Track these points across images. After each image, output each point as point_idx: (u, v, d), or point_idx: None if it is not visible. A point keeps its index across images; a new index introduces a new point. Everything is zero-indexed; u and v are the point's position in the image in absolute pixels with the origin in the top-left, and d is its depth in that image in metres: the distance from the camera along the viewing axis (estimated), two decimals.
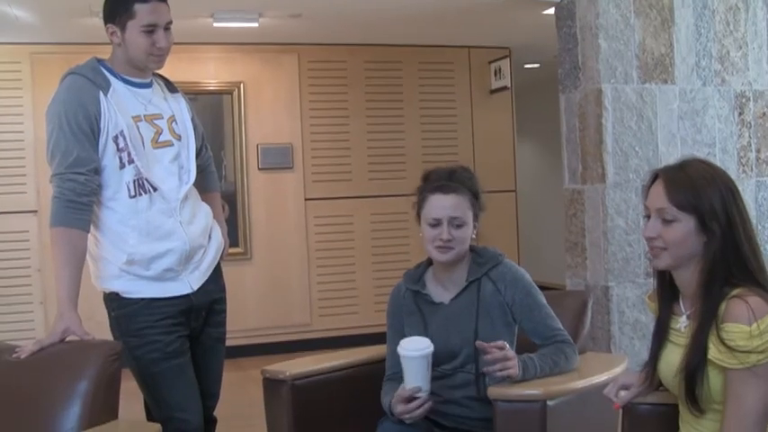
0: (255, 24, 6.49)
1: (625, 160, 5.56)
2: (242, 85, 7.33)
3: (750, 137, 6.21)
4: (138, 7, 2.78)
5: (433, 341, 2.60)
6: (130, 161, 2.74)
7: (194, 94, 7.24)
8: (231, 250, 7.09)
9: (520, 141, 8.81)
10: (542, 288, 2.84)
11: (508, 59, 7.89)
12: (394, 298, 2.85)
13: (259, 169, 7.36)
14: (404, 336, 2.70)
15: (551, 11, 6.10)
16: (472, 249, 2.78)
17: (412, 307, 2.78)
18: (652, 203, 2.04)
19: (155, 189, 2.78)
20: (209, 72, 7.29)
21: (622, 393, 2.14)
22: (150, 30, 2.82)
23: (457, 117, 8.01)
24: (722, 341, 1.87)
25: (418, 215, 2.76)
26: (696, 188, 1.98)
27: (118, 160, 2.74)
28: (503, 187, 8.14)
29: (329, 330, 7.24)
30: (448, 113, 7.97)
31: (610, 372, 2.68)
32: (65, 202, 2.65)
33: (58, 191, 2.67)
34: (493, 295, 2.72)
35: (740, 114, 6.16)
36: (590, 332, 3.09)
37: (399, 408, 2.55)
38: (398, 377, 2.66)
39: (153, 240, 2.76)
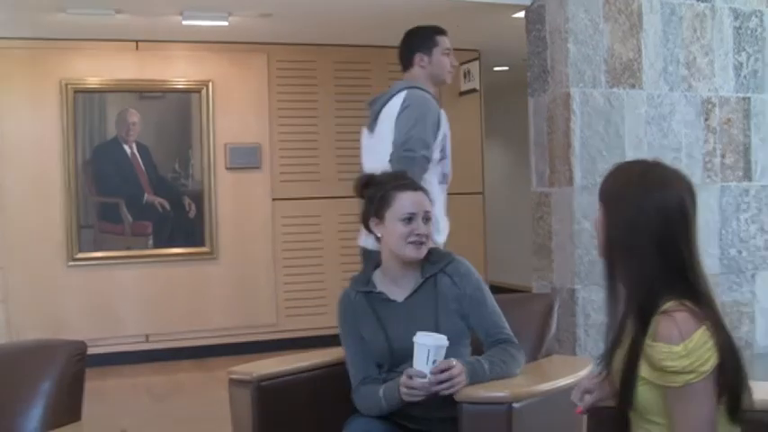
0: (225, 23, 6.46)
1: (592, 164, 5.59)
2: (210, 83, 7.28)
3: (715, 142, 6.27)
4: (439, 39, 4.06)
5: (393, 340, 2.65)
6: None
7: (162, 93, 7.21)
8: (197, 249, 7.19)
9: (488, 144, 8.83)
10: (508, 290, 2.86)
11: (477, 62, 7.91)
12: (345, 304, 2.83)
13: (227, 169, 7.32)
14: (364, 339, 2.72)
15: (521, 14, 6.13)
16: None
17: (366, 309, 2.77)
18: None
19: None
20: (178, 70, 7.24)
21: (587, 397, 2.12)
22: (448, 52, 4.08)
23: None
24: (653, 361, 1.82)
25: (378, 216, 2.76)
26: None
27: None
28: (470, 189, 8.15)
29: (296, 331, 7.22)
30: None
31: (575, 374, 2.69)
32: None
33: None
34: (450, 289, 2.75)
35: (706, 120, 6.22)
36: (556, 335, 3.10)
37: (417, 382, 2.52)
38: (372, 380, 2.70)
39: None
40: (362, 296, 2.79)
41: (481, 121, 8.32)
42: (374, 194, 2.78)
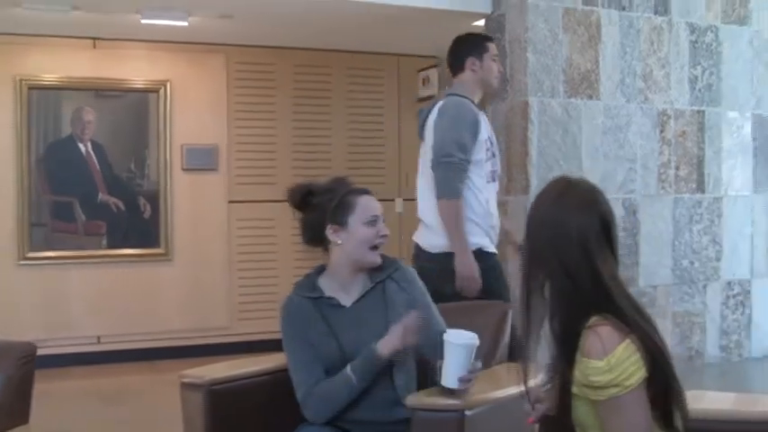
0: (185, 23, 6.40)
1: (549, 172, 5.63)
2: (168, 83, 7.22)
3: (670, 154, 6.35)
4: (489, 45, 4.22)
5: (344, 345, 2.64)
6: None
7: (119, 91, 7.14)
8: (151, 250, 7.12)
9: None
10: (465, 298, 2.86)
11: (436, 69, 7.93)
12: (290, 309, 2.78)
13: (183, 169, 7.26)
14: (314, 344, 2.69)
15: (481, 22, 6.15)
16: None
17: (314, 315, 2.74)
18: None
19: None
20: (135, 69, 7.17)
21: (538, 407, 2.11)
22: (496, 59, 4.23)
23: (384, 124, 8.02)
24: (580, 377, 1.83)
25: (338, 222, 2.73)
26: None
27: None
28: None
29: (250, 334, 7.17)
30: (375, 120, 7.98)
31: (530, 382, 2.69)
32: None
33: None
34: (398, 294, 2.75)
35: (661, 132, 6.29)
36: (510, 342, 3.10)
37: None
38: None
39: None
40: (309, 302, 2.76)
41: None
42: (327, 201, 2.75)
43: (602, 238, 1.93)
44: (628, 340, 1.81)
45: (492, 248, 4.05)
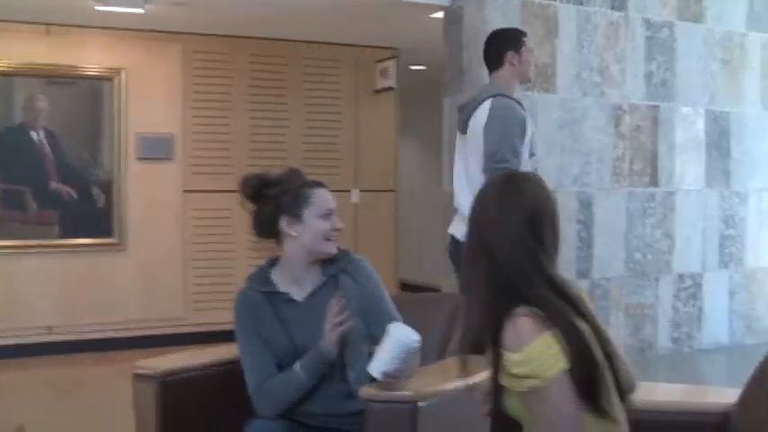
0: (141, 10, 6.33)
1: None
2: (123, 72, 7.13)
3: (624, 148, 6.40)
4: (525, 39, 4.29)
5: (296, 339, 2.64)
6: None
7: (73, 79, 7.04)
8: (105, 240, 7.04)
9: (403, 142, 8.86)
10: (419, 288, 2.87)
11: (395, 60, 7.93)
12: (243, 303, 2.76)
13: (137, 159, 7.18)
14: (267, 338, 2.68)
15: (440, 14, 6.15)
16: None
17: (267, 309, 2.72)
18: None
19: None
20: (90, 57, 7.07)
21: (490, 399, 2.13)
22: (531, 51, 4.34)
23: (341, 115, 8.00)
24: (505, 368, 1.85)
25: (293, 215, 2.70)
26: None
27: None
28: (383, 187, 8.18)
29: (205, 324, 7.12)
30: (332, 111, 7.96)
31: (481, 375, 2.70)
32: None
33: None
34: (352, 288, 2.74)
35: (616, 126, 6.35)
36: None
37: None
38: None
39: None
40: (262, 296, 2.74)
41: (396, 120, 8.34)
42: (281, 194, 2.72)
43: (538, 230, 1.94)
44: (548, 332, 1.82)
45: None
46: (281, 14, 6.67)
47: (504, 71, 4.23)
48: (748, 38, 7.11)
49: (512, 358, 1.82)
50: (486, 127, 4.04)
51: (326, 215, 2.72)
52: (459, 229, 4.12)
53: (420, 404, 2.46)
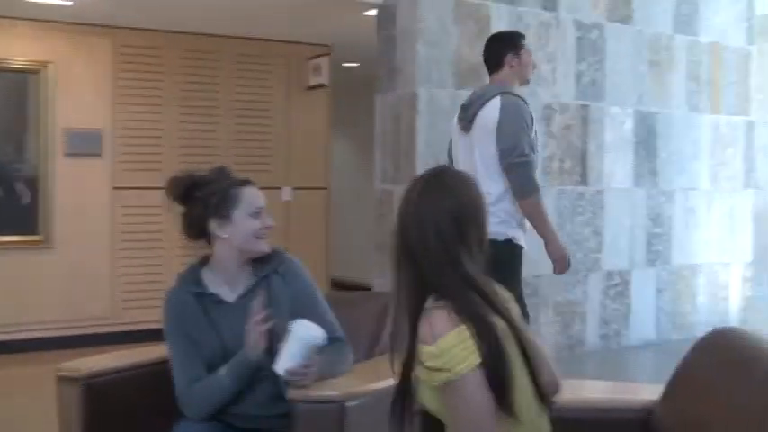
0: (69, 2, 6.21)
1: (436, 164, 5.64)
2: (51, 65, 6.98)
3: (555, 147, 6.47)
4: (523, 41, 4.46)
5: (226, 341, 2.61)
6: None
7: None
8: (30, 238, 6.89)
9: (335, 139, 8.84)
10: (351, 286, 2.87)
11: (327, 57, 7.90)
12: (172, 304, 2.73)
13: (65, 155, 7.03)
14: (196, 340, 2.65)
15: (373, 12, 6.15)
16: None
17: (197, 310, 2.69)
18: None
19: None
20: (16, 49, 6.90)
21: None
22: (530, 53, 4.50)
23: (273, 112, 7.95)
24: (419, 361, 1.87)
25: (222, 215, 2.67)
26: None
27: None
28: (316, 184, 8.15)
29: (134, 324, 7.02)
30: (264, 108, 7.90)
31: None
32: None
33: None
34: (283, 289, 2.72)
35: (547, 125, 6.41)
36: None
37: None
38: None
39: None
40: (192, 297, 2.71)
41: (329, 117, 8.32)
42: (210, 194, 2.68)
43: (461, 227, 1.96)
44: (462, 326, 1.84)
45: (522, 241, 4.27)
46: (213, 10, 6.61)
47: (504, 73, 4.37)
48: (675, 40, 7.25)
49: (426, 351, 1.84)
50: (501, 123, 4.15)
51: (256, 214, 2.69)
52: None
53: (348, 404, 2.46)
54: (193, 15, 6.85)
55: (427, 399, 1.92)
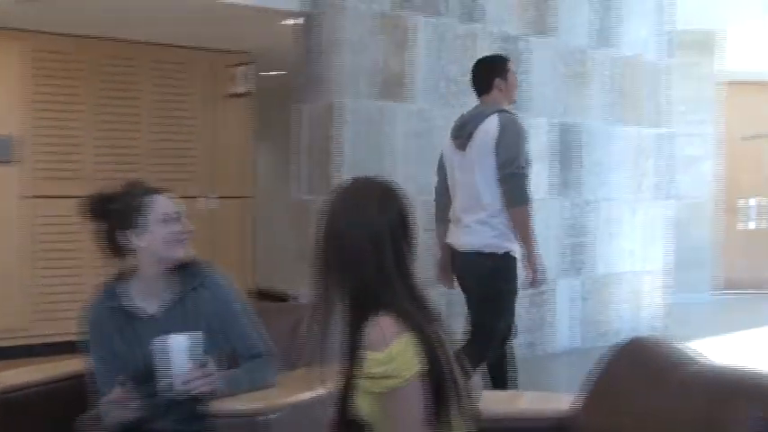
0: None
1: (358, 174, 5.63)
2: None
3: None
4: (509, 64, 4.70)
5: (147, 356, 2.54)
6: None
7: None
8: None
9: (262, 149, 8.77)
10: (276, 297, 2.84)
11: (250, 65, 7.83)
12: (91, 317, 2.70)
13: None
14: (117, 355, 2.61)
15: (291, 22, 6.11)
16: None
17: (116, 324, 2.65)
18: None
19: None
20: None
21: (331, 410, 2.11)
22: (515, 74, 4.78)
23: (196, 120, 7.83)
24: (364, 369, 1.87)
25: (136, 226, 2.64)
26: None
27: None
28: (240, 193, 8.07)
29: (50, 336, 6.81)
30: (186, 116, 7.78)
31: (330, 385, 2.67)
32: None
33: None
34: (207, 303, 2.69)
35: None
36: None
37: None
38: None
39: None
40: (112, 311, 2.66)
41: (251, 125, 8.24)
42: (123, 206, 2.66)
43: (395, 237, 1.97)
44: (409, 334, 1.86)
45: (518, 254, 4.42)
46: (132, 16, 6.49)
47: (493, 96, 4.59)
48: (597, 53, 7.36)
49: (374, 357, 1.84)
50: (500, 138, 4.34)
51: (168, 220, 2.66)
52: (457, 239, 4.51)
53: (270, 417, 2.44)
54: (111, 21, 6.71)
55: (365, 408, 1.91)
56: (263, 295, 8.56)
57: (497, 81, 4.59)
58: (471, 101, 6.38)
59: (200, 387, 2.48)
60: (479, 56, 6.47)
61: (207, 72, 7.87)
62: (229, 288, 2.77)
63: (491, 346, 4.40)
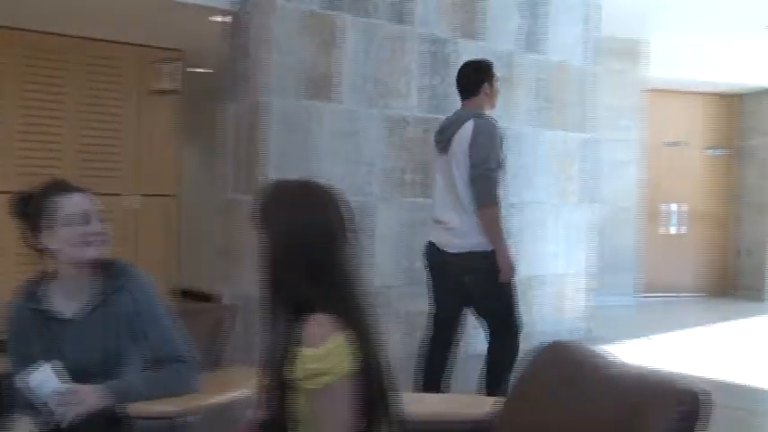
0: None
1: (285, 173, 5.60)
2: None
3: (406, 160, 6.52)
4: (494, 70, 4.85)
5: (70, 360, 2.51)
6: None
7: None
8: None
9: (189, 147, 8.67)
10: (201, 296, 2.81)
11: (178, 62, 7.74)
12: (12, 318, 2.65)
13: None
14: (36, 357, 2.53)
15: (220, 18, 6.06)
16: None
17: (37, 327, 2.60)
18: None
19: None
20: None
21: (256, 412, 2.09)
22: (498, 79, 4.93)
23: (121, 117, 7.71)
24: (298, 367, 1.88)
25: (47, 227, 2.59)
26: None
27: None
28: (165, 191, 7.96)
29: None
30: (112, 112, 7.65)
31: (246, 388, 2.65)
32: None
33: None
34: (128, 305, 2.65)
35: (398, 138, 6.45)
36: (244, 344, 3.06)
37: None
38: None
39: None
40: (32, 313, 2.62)
41: (178, 123, 8.14)
42: (36, 207, 2.61)
43: (333, 237, 1.99)
44: (344, 332, 1.88)
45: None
46: (58, 8, 6.36)
47: (479, 100, 4.78)
48: (524, 58, 7.44)
49: (309, 354, 1.85)
50: (473, 141, 4.52)
51: (78, 221, 2.60)
52: (445, 240, 4.68)
53: (189, 418, 2.41)
54: (35, 13, 6.57)
55: (298, 408, 1.92)
56: (188, 295, 8.46)
57: (485, 86, 4.79)
58: (396, 103, 6.44)
59: (76, 410, 2.42)
60: (407, 57, 6.54)
61: (134, 68, 7.76)
62: (152, 290, 2.73)
63: (518, 339, 4.86)
